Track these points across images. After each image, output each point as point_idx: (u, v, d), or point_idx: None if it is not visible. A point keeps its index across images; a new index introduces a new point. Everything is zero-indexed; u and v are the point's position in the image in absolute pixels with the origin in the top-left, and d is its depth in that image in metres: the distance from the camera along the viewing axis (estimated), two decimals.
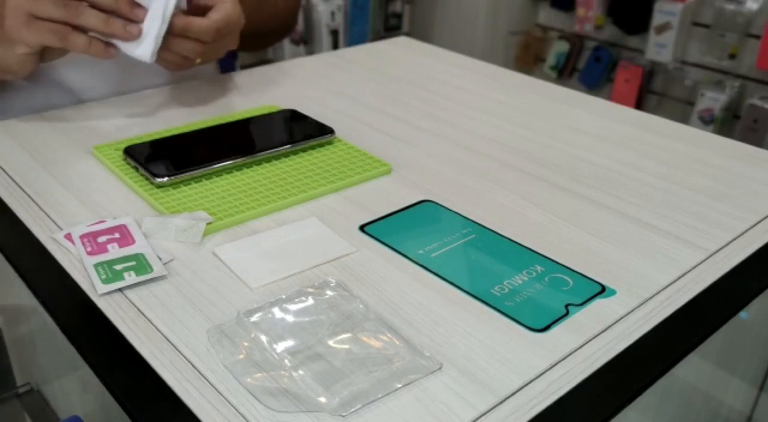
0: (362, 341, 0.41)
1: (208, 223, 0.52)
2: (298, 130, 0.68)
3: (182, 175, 0.58)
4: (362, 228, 0.54)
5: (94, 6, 0.61)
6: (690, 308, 0.46)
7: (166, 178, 0.57)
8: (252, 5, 0.82)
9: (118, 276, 0.46)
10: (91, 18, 0.61)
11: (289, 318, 0.43)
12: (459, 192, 0.59)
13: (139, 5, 0.62)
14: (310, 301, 0.45)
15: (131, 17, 0.62)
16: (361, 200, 0.58)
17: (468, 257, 0.50)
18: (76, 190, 0.58)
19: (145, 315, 0.44)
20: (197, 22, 0.65)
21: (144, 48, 0.63)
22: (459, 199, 0.58)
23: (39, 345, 0.64)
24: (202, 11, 0.67)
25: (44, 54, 0.65)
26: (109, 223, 0.52)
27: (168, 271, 0.48)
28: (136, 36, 0.63)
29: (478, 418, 0.37)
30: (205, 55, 0.68)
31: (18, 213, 0.55)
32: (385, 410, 0.37)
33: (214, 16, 0.65)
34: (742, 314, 0.48)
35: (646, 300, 0.46)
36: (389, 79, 0.84)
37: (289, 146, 0.64)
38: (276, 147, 0.63)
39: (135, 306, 0.45)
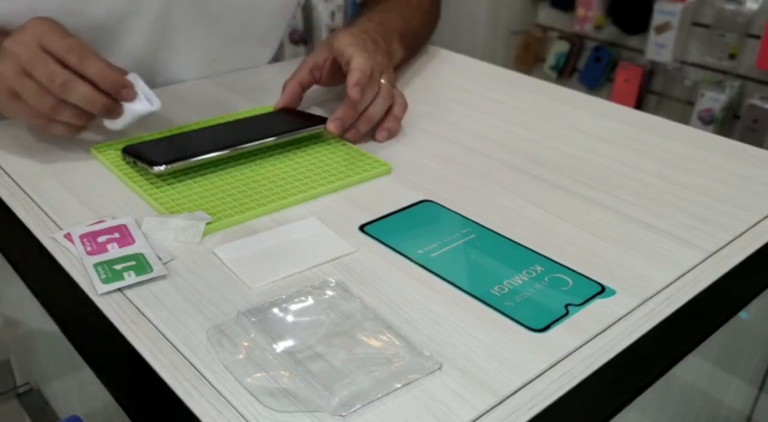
0: (362, 341, 0.41)
1: (208, 223, 0.52)
2: (296, 121, 0.68)
3: (180, 164, 0.58)
4: (362, 228, 0.54)
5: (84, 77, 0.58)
6: (690, 308, 0.46)
7: (163, 167, 0.57)
8: (411, 37, 0.84)
9: (117, 276, 0.46)
10: (80, 97, 0.57)
11: (289, 318, 0.43)
12: (459, 192, 0.59)
13: (129, 85, 0.60)
14: (310, 301, 0.45)
15: (120, 98, 0.59)
16: (361, 200, 0.58)
17: (468, 257, 0.50)
18: (76, 190, 0.58)
19: (145, 315, 0.44)
20: (346, 102, 0.65)
21: (117, 123, 0.61)
22: (459, 199, 0.58)
23: (39, 345, 0.64)
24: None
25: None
26: (109, 223, 0.52)
27: (168, 271, 0.48)
28: (117, 115, 0.60)
29: (478, 418, 0.37)
30: (374, 108, 0.67)
31: (18, 214, 0.55)
32: (385, 410, 0.37)
33: (350, 81, 0.64)
34: (742, 314, 0.48)
35: (646, 301, 0.46)
36: None
37: (286, 135, 0.64)
38: (273, 136, 0.63)
39: (135, 306, 0.45)
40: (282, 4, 0.87)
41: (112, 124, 0.61)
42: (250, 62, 0.88)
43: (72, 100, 0.57)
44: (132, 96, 0.60)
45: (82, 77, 0.57)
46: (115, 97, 0.59)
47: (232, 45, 0.84)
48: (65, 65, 0.57)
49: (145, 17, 0.74)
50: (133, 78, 0.61)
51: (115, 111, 0.60)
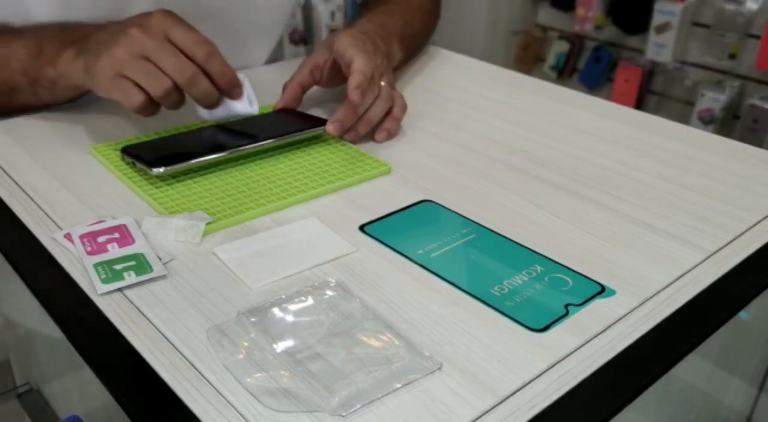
0: (362, 341, 0.41)
1: (208, 223, 0.52)
2: (295, 123, 0.68)
3: (179, 166, 0.58)
4: (362, 228, 0.54)
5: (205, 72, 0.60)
6: (690, 308, 0.46)
7: (163, 169, 0.57)
8: (411, 39, 0.84)
9: (117, 276, 0.46)
10: (201, 91, 0.60)
11: (289, 318, 0.43)
12: (459, 192, 0.59)
13: (240, 85, 0.63)
14: (310, 301, 0.45)
15: (228, 95, 0.62)
16: (361, 200, 0.58)
17: (468, 257, 0.50)
18: (76, 190, 0.58)
19: (145, 315, 0.44)
20: (346, 104, 0.65)
21: (213, 114, 0.63)
22: (459, 199, 0.58)
23: (39, 345, 0.64)
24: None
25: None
26: (109, 223, 0.52)
27: (168, 271, 0.48)
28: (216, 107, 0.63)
29: (477, 418, 0.37)
30: (374, 110, 0.68)
31: (18, 214, 0.55)
32: (385, 410, 0.37)
33: (351, 84, 0.64)
34: (742, 314, 0.48)
35: (646, 300, 0.46)
36: None
37: (285, 137, 0.64)
38: (272, 138, 0.63)
39: (135, 306, 0.45)
40: (280, 1, 0.87)
41: (207, 114, 0.63)
42: (246, 61, 0.88)
43: (193, 92, 0.60)
44: (239, 95, 0.63)
45: (203, 70, 0.59)
46: (224, 93, 0.62)
47: (228, 43, 0.84)
48: (189, 57, 0.59)
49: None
50: (242, 78, 0.63)
51: (218, 104, 0.63)
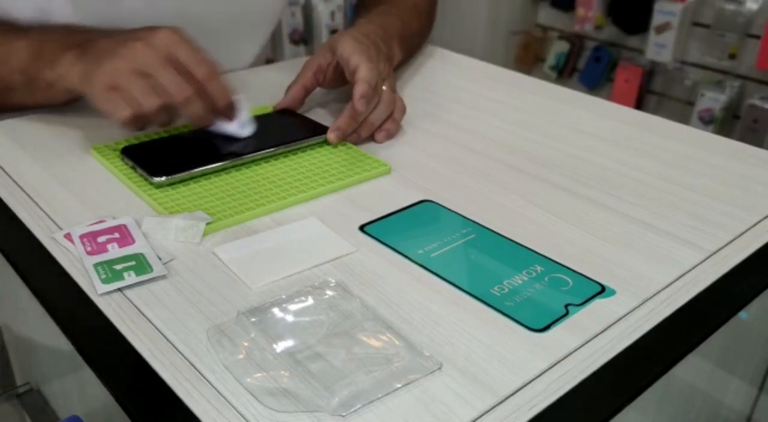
0: (362, 341, 0.41)
1: (208, 223, 0.52)
2: (296, 130, 0.68)
3: (179, 175, 0.58)
4: (362, 228, 0.54)
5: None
6: (690, 308, 0.46)
7: (164, 178, 0.57)
8: (410, 40, 0.85)
9: (117, 276, 0.46)
10: (194, 112, 0.60)
11: (289, 318, 0.43)
12: (459, 192, 0.59)
13: (235, 108, 0.64)
14: (310, 301, 0.45)
15: (223, 115, 0.63)
16: (361, 200, 0.58)
17: (468, 257, 0.50)
18: (76, 190, 0.58)
19: (145, 315, 0.44)
20: (348, 112, 0.66)
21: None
22: (459, 199, 0.58)
23: (39, 345, 0.64)
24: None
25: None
26: (109, 223, 0.52)
27: (168, 271, 0.48)
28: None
29: (477, 418, 0.37)
30: (376, 114, 0.68)
31: (18, 214, 0.55)
32: (385, 410, 0.37)
33: (356, 93, 0.65)
34: (742, 314, 0.48)
35: (646, 301, 0.46)
36: None
37: (285, 146, 0.64)
38: (273, 147, 0.63)
39: (135, 306, 0.45)
40: (269, 1, 0.86)
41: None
42: (233, 61, 0.87)
43: (186, 113, 0.60)
44: (232, 118, 0.64)
45: (200, 88, 0.60)
46: (218, 113, 0.63)
47: (217, 41, 0.83)
48: (190, 75, 0.59)
49: (128, 17, 0.74)
50: (242, 100, 0.64)
51: (209, 123, 0.63)
